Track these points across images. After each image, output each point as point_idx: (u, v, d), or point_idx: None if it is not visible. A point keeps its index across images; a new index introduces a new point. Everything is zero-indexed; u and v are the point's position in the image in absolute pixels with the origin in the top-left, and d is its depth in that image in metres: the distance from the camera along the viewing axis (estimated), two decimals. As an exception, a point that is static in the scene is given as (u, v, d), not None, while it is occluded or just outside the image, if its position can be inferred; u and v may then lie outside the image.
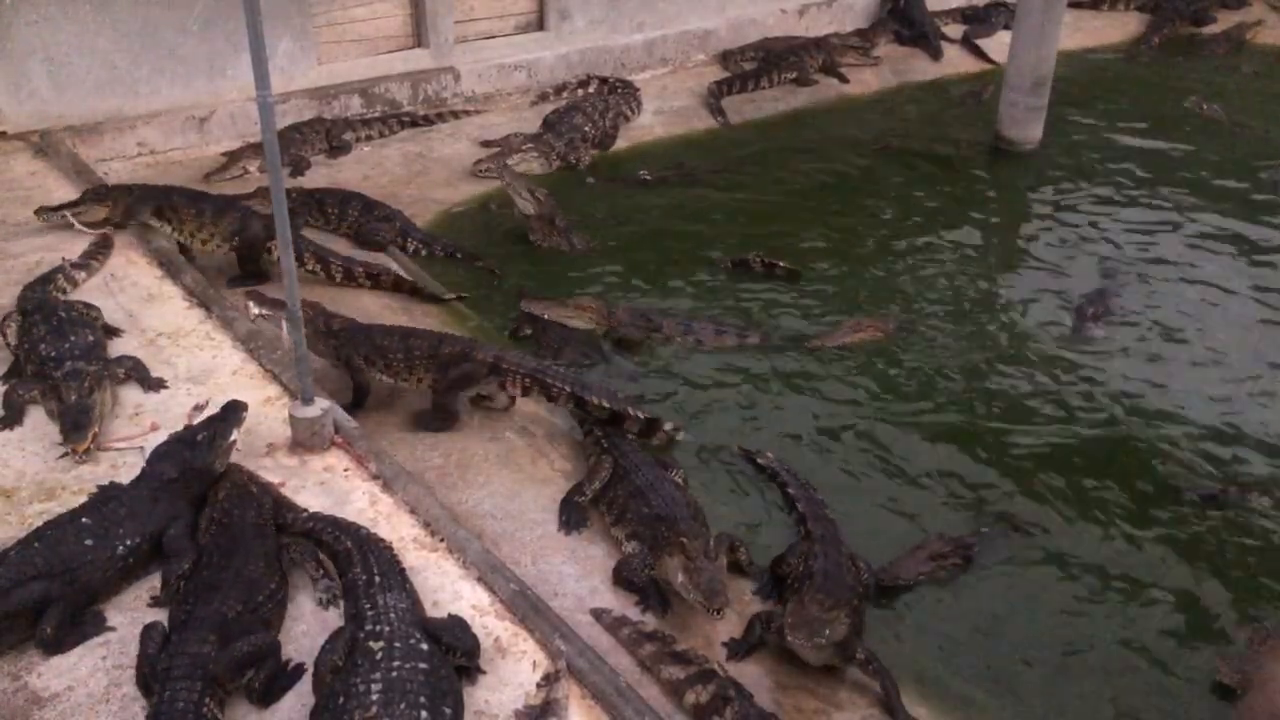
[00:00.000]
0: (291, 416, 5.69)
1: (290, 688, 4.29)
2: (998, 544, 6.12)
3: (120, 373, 6.13)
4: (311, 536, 4.96)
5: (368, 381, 6.55)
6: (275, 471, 5.51)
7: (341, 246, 8.69)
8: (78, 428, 5.49)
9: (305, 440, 5.69)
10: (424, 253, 8.91)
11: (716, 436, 6.97)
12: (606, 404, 6.30)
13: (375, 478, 5.55)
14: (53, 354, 5.99)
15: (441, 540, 5.14)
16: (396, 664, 4.03)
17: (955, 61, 14.31)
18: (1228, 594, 5.89)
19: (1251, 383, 7.74)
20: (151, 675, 4.13)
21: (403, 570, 4.75)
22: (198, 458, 5.17)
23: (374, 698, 3.87)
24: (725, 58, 13.29)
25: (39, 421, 5.81)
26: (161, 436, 5.50)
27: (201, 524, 5.03)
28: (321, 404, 5.73)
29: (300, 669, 4.36)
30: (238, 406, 5.52)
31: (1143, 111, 12.96)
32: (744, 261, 8.97)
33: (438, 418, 6.44)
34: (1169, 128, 12.44)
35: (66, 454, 5.51)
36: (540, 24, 12.28)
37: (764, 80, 12.83)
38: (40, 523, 4.82)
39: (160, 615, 4.52)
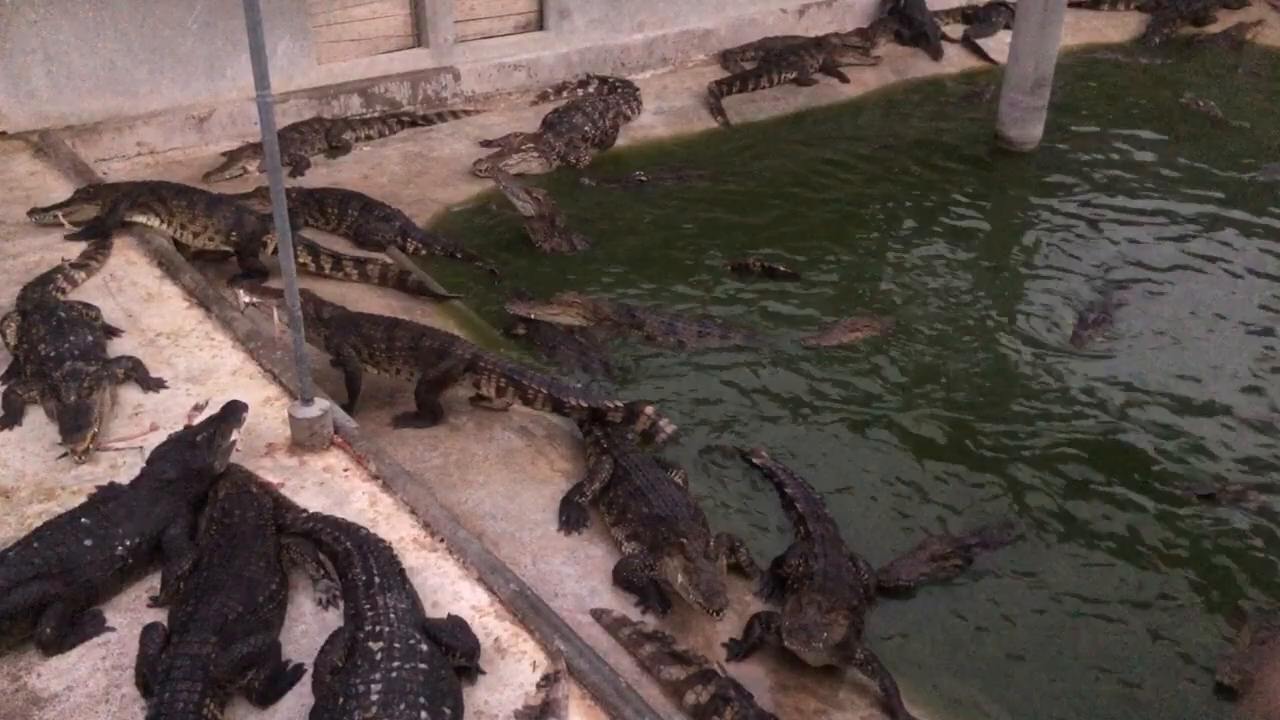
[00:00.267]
0: (291, 416, 5.69)
1: (290, 688, 4.29)
2: (998, 545, 6.11)
3: (120, 373, 6.12)
4: (311, 537, 4.95)
5: (357, 370, 6.56)
6: (275, 471, 5.51)
7: (341, 246, 8.69)
8: (77, 428, 5.49)
9: (305, 440, 5.69)
10: (424, 253, 8.91)
11: (716, 437, 6.96)
12: (584, 403, 6.30)
13: (375, 478, 5.54)
14: (52, 354, 5.98)
15: (441, 540, 5.14)
16: (396, 664, 4.03)
17: (955, 61, 14.31)
18: (1227, 593, 5.89)
19: (1250, 382, 7.74)
20: (152, 676, 4.13)
21: (402, 571, 4.75)
22: (198, 458, 5.16)
23: (374, 698, 3.87)
24: (725, 57, 13.29)
25: (38, 421, 5.81)
26: (161, 437, 5.50)
27: (202, 524, 5.03)
28: (321, 404, 5.73)
29: (300, 669, 4.35)
30: (238, 407, 5.51)
31: (1143, 111, 12.98)
32: (744, 265, 8.97)
33: (421, 415, 6.45)
34: (1169, 127, 12.45)
35: (66, 454, 5.51)
36: (540, 23, 12.28)
37: (764, 80, 12.82)
38: (40, 523, 4.83)
39: (160, 615, 4.52)
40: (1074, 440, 7.07)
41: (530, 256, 9.11)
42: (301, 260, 7.89)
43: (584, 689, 4.40)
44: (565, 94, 12.08)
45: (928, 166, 11.37)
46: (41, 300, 6.63)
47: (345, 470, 5.60)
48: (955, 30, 14.89)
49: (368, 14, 11.14)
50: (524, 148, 10.58)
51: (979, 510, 6.43)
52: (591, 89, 12.18)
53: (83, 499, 5.03)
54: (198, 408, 5.96)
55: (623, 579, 5.41)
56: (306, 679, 4.29)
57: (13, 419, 5.81)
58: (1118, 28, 15.73)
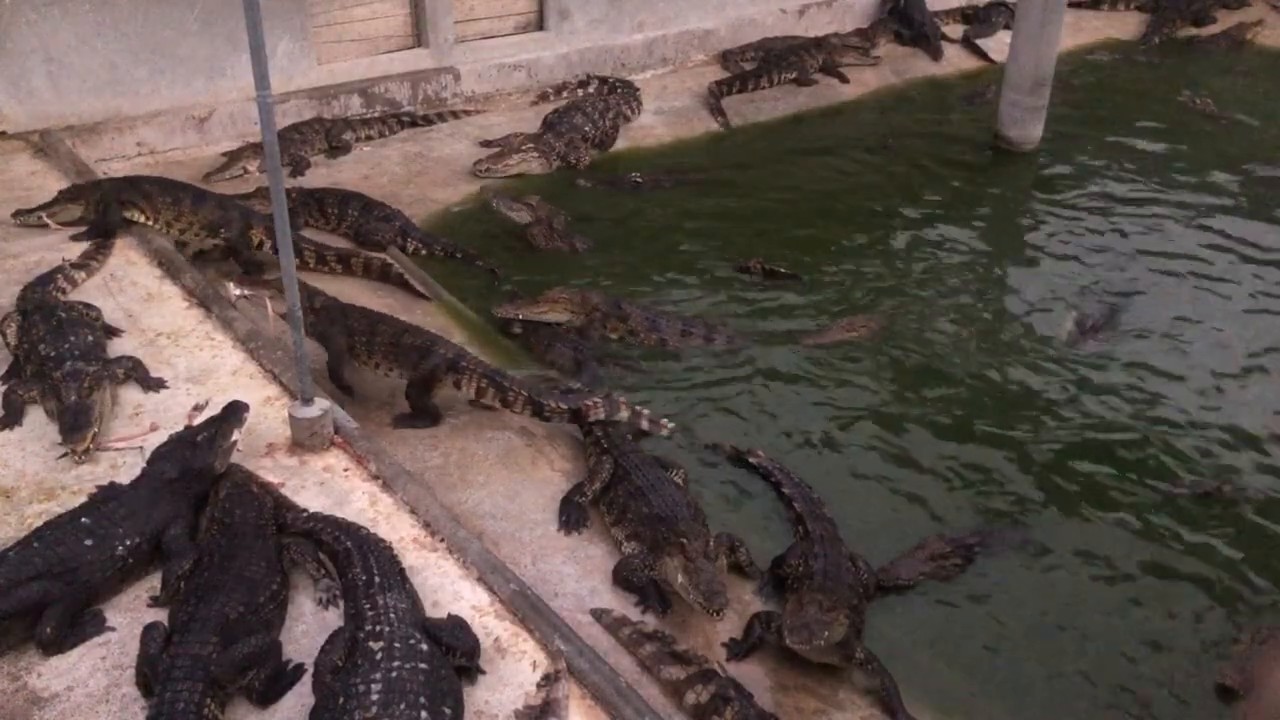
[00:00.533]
0: (291, 417, 5.69)
1: (290, 688, 4.29)
2: (998, 544, 6.11)
3: (120, 373, 6.12)
4: (311, 536, 4.95)
5: (338, 352, 6.58)
6: (275, 471, 5.51)
7: (341, 246, 8.69)
8: (77, 428, 5.49)
9: (305, 440, 5.69)
10: (424, 253, 8.91)
11: (715, 436, 6.96)
12: (564, 406, 6.31)
13: (375, 478, 5.54)
14: (52, 354, 5.98)
15: (441, 540, 5.14)
16: (396, 664, 4.02)
17: (955, 61, 14.31)
18: (1227, 592, 5.90)
19: (1248, 380, 7.74)
20: (152, 675, 4.13)
21: (402, 570, 4.75)
22: (198, 458, 5.17)
23: (374, 698, 3.87)
24: (725, 57, 13.29)
25: (38, 421, 5.81)
26: (161, 437, 5.50)
27: (202, 524, 5.03)
28: (321, 404, 5.73)
29: (300, 669, 4.35)
30: (239, 407, 5.51)
31: (1143, 111, 12.97)
32: (745, 266, 8.97)
33: (417, 416, 6.45)
34: (1168, 127, 12.46)
35: (66, 454, 5.51)
36: (540, 24, 12.28)
37: (764, 80, 12.83)
38: (40, 523, 4.83)
39: (160, 615, 4.52)
40: (1073, 440, 7.07)
41: (530, 257, 9.11)
42: None
43: (584, 689, 4.40)
44: (565, 94, 12.09)
45: (928, 167, 11.37)
46: (42, 300, 6.63)
47: (345, 470, 5.60)
48: (955, 30, 14.90)
49: (368, 14, 11.14)
50: (524, 148, 10.58)
51: (979, 510, 6.43)
52: (591, 89, 12.18)
53: (83, 499, 5.03)
54: (198, 408, 5.96)
55: (623, 579, 5.40)
56: (306, 679, 4.29)
57: (13, 419, 5.81)
58: (1118, 28, 15.74)
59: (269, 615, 4.48)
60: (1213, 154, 11.73)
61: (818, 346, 7.94)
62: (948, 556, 5.92)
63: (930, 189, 10.89)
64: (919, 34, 14.26)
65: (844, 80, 13.28)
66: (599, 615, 5.16)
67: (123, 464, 5.49)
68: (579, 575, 5.46)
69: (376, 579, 4.54)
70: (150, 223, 7.87)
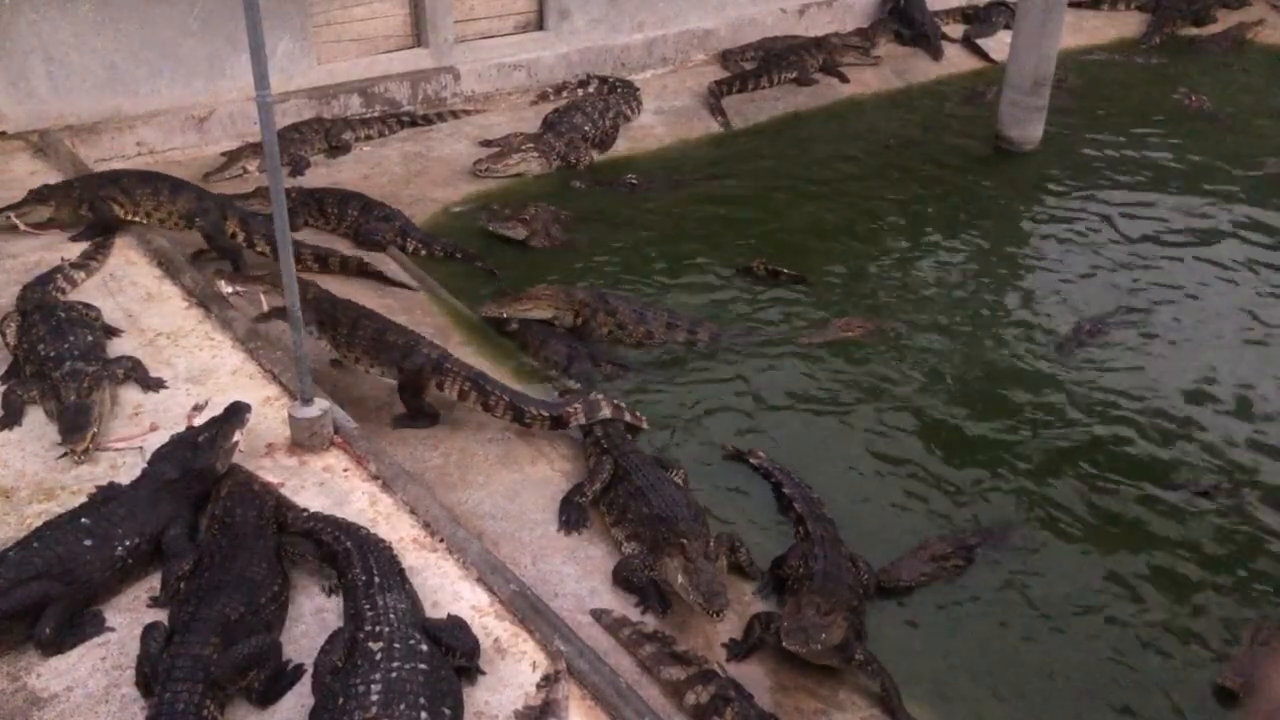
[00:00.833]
0: (291, 417, 5.69)
1: (290, 688, 4.28)
2: (998, 545, 6.11)
3: (119, 373, 6.12)
4: (311, 536, 4.95)
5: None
6: (274, 471, 5.50)
7: (341, 246, 8.69)
8: (76, 428, 5.49)
9: (305, 440, 5.69)
10: (423, 252, 8.91)
11: (715, 437, 6.96)
12: (545, 413, 6.33)
13: (375, 478, 5.54)
14: (52, 354, 5.98)
15: (441, 541, 5.14)
16: (396, 665, 4.02)
17: (956, 61, 14.31)
18: (1227, 593, 5.89)
19: (1247, 380, 7.74)
20: (153, 676, 4.12)
21: (402, 571, 4.75)
22: (199, 459, 5.17)
23: (374, 698, 3.87)
24: (725, 57, 13.29)
25: (38, 422, 5.80)
26: (161, 437, 5.50)
27: (204, 524, 5.02)
28: (321, 404, 5.73)
29: (300, 669, 4.35)
30: (240, 408, 5.51)
31: (1143, 111, 12.97)
32: (748, 268, 8.97)
33: (414, 417, 6.46)
34: (1169, 127, 12.45)
35: (66, 454, 5.50)
36: (540, 23, 12.28)
37: (764, 80, 12.82)
38: (39, 523, 4.82)
39: (160, 615, 4.51)
40: (1073, 441, 7.06)
41: (530, 257, 9.11)
42: (260, 250, 7.92)
43: (584, 689, 4.40)
44: (565, 94, 12.08)
45: (928, 167, 11.37)
46: (41, 300, 6.62)
47: (345, 470, 5.59)
48: (955, 30, 14.90)
49: (368, 14, 11.14)
50: (524, 148, 10.58)
51: (979, 510, 6.42)
52: (591, 89, 12.18)
53: (83, 499, 5.04)
54: (197, 408, 5.96)
55: (623, 579, 5.40)
56: (306, 679, 4.29)
57: (13, 419, 5.80)
58: (1118, 28, 15.74)
59: (269, 616, 4.48)
60: (1213, 154, 11.72)
61: (815, 345, 7.94)
62: (949, 557, 5.91)
63: (930, 189, 10.88)
64: (919, 34, 14.26)
65: (844, 80, 13.27)
66: (599, 616, 5.15)
67: (123, 464, 5.49)
68: (579, 575, 5.45)
69: (376, 579, 4.54)
70: (131, 216, 7.87)
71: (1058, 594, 5.85)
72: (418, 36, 11.49)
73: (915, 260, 9.49)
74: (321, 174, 10.05)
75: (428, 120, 11.24)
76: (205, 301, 7.02)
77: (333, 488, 5.47)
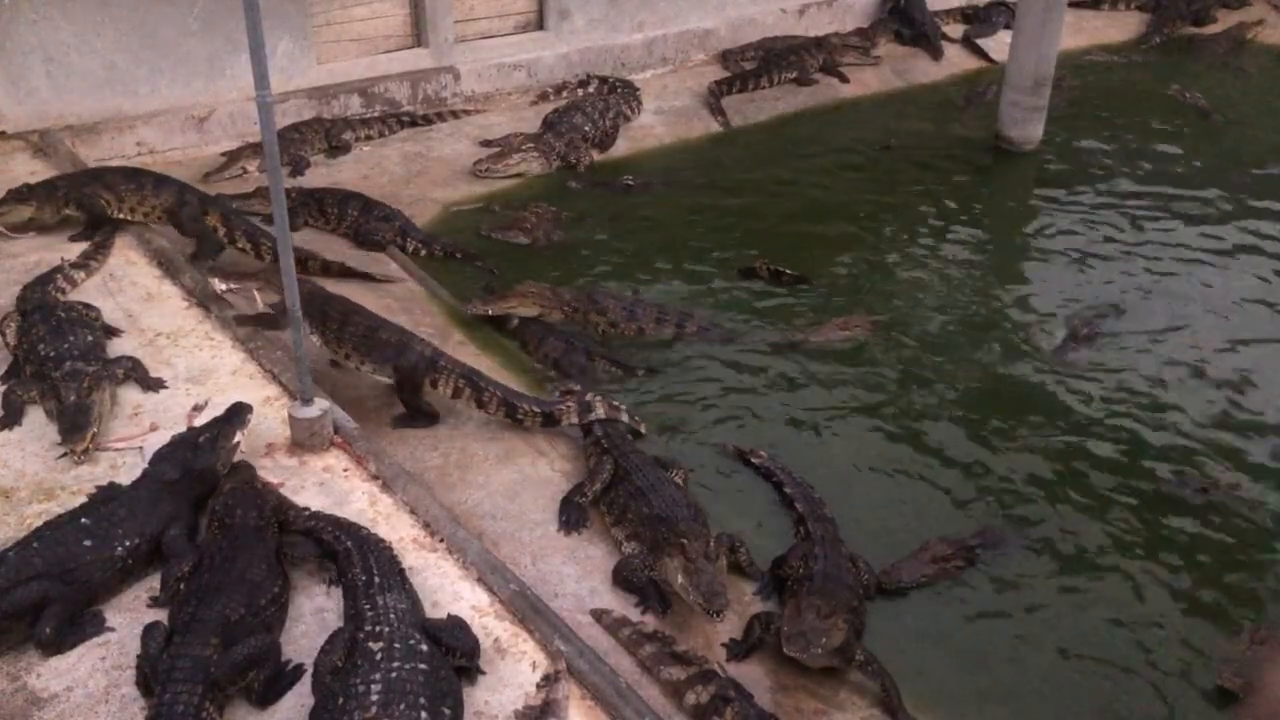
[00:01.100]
0: (291, 417, 5.69)
1: (290, 688, 4.29)
2: (999, 546, 6.11)
3: (119, 373, 6.12)
4: (311, 535, 4.95)
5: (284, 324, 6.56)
6: (274, 471, 5.50)
7: (342, 246, 8.69)
8: (76, 428, 5.49)
9: (305, 440, 5.69)
10: (423, 252, 8.91)
11: (716, 437, 6.96)
12: (537, 409, 6.38)
13: (375, 478, 5.54)
14: (52, 354, 5.98)
15: (441, 540, 5.14)
16: (396, 665, 4.02)
17: (956, 61, 14.30)
18: (1227, 593, 5.89)
19: (1245, 381, 7.74)
20: (152, 676, 4.12)
21: (402, 571, 4.75)
22: (200, 459, 5.17)
23: (374, 698, 3.87)
24: (725, 57, 13.28)
25: (38, 422, 5.80)
26: (161, 437, 5.50)
27: (204, 523, 5.02)
28: (321, 404, 5.73)
29: (300, 669, 4.35)
30: (242, 409, 5.52)
31: (1143, 111, 12.96)
32: (751, 269, 8.98)
33: (414, 417, 6.46)
34: (1168, 127, 12.44)
35: (66, 454, 5.50)
36: (540, 23, 12.27)
37: (764, 80, 12.81)
38: (39, 523, 4.83)
39: (160, 616, 4.51)
40: (1072, 441, 7.06)
41: (529, 256, 9.11)
42: (241, 246, 7.92)
43: (584, 689, 4.40)
44: (565, 94, 12.08)
45: (928, 167, 11.36)
46: (41, 300, 6.62)
47: (345, 470, 5.59)
48: (955, 30, 14.88)
49: (367, 14, 11.14)
50: (524, 148, 10.58)
51: (980, 511, 6.42)
52: (591, 89, 12.17)
53: (83, 499, 5.04)
54: (197, 408, 5.96)
55: (623, 579, 5.40)
56: (306, 679, 4.29)
57: (13, 419, 5.80)
58: (1118, 28, 15.72)
59: (269, 618, 4.48)
60: (1213, 154, 11.72)
61: (812, 344, 7.94)
62: (949, 558, 5.90)
63: (930, 189, 10.87)
64: (919, 34, 14.24)
65: (844, 80, 13.26)
66: (599, 616, 5.15)
67: (123, 464, 5.49)
68: (579, 575, 5.45)
69: (376, 579, 4.54)
70: (117, 213, 7.87)
71: (1058, 595, 5.85)
72: (418, 36, 11.48)
73: (915, 260, 9.49)
74: (321, 174, 10.04)
75: (428, 120, 11.23)
76: (205, 301, 7.02)
77: (333, 488, 5.47)
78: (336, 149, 10.47)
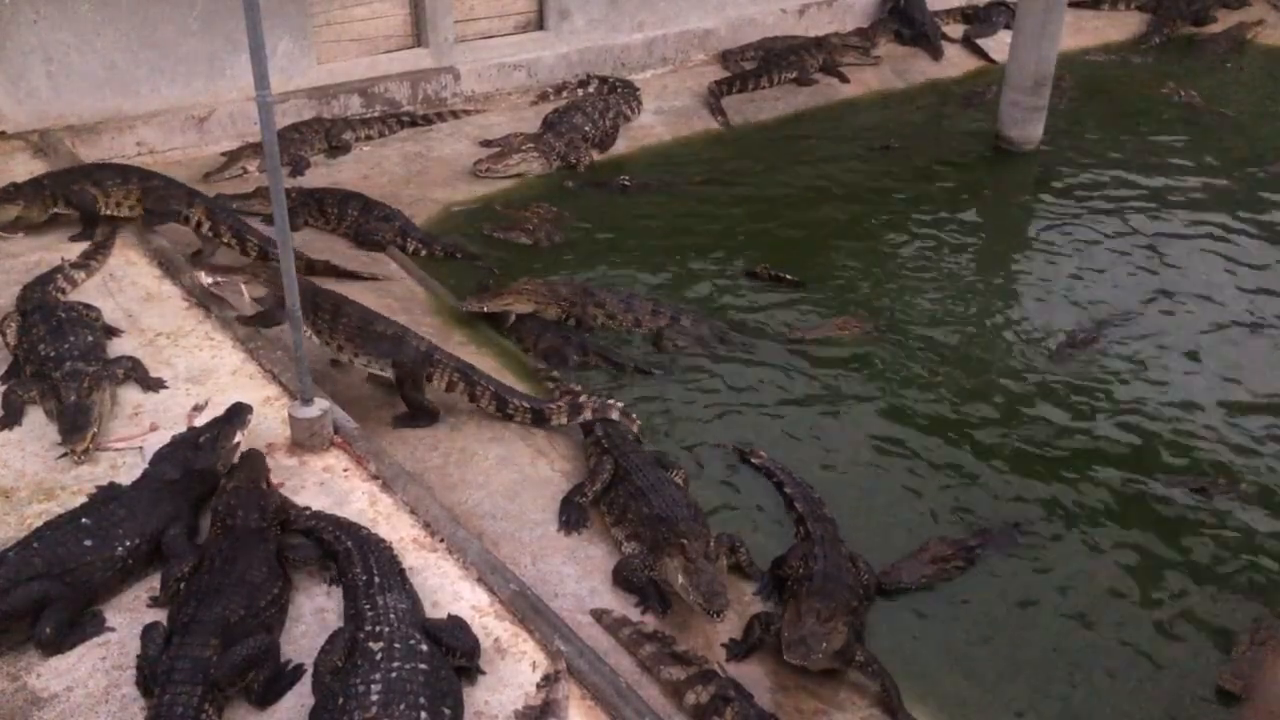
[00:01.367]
0: (291, 417, 5.69)
1: (290, 688, 4.28)
2: (999, 546, 6.10)
3: (120, 373, 6.12)
4: (312, 535, 4.95)
5: (280, 319, 6.58)
6: (275, 472, 5.49)
7: (341, 246, 8.69)
8: (76, 428, 5.49)
9: (305, 440, 5.69)
10: (423, 252, 8.91)
11: (716, 436, 6.96)
12: (528, 406, 6.43)
13: (375, 478, 5.54)
14: (52, 354, 5.98)
15: (441, 540, 5.14)
16: (396, 664, 4.02)
17: (956, 61, 14.30)
18: (1227, 593, 5.89)
19: (1245, 381, 7.74)
20: (152, 676, 4.13)
21: (402, 571, 4.75)
22: (200, 459, 5.17)
23: (374, 698, 3.87)
24: (725, 57, 13.28)
25: (38, 422, 5.80)
26: (161, 437, 5.50)
27: (206, 522, 5.02)
28: (321, 404, 5.73)
29: (300, 670, 4.35)
30: (242, 409, 5.52)
31: (1143, 111, 12.97)
32: (753, 272, 9.00)
33: (416, 415, 6.46)
34: (1169, 128, 12.44)
35: (66, 454, 5.50)
36: (540, 23, 12.28)
37: (764, 80, 12.82)
38: (39, 523, 4.83)
39: (160, 616, 4.51)
40: (1072, 442, 7.06)
41: (530, 257, 9.11)
42: (227, 242, 7.92)
43: (584, 689, 4.40)
44: (565, 94, 12.08)
45: (928, 167, 11.37)
46: (42, 300, 6.62)
47: (345, 470, 5.60)
48: (955, 30, 14.89)
49: (368, 14, 11.14)
50: (524, 148, 10.58)
51: (980, 512, 6.41)
52: (591, 89, 12.18)
53: (83, 499, 5.04)
54: (197, 408, 5.96)
55: (623, 579, 5.40)
56: (306, 679, 4.29)
57: (13, 419, 5.80)
58: (1118, 28, 15.73)
59: (269, 619, 4.47)
60: (1213, 154, 11.72)
61: (809, 341, 7.96)
62: (949, 559, 5.90)
63: (930, 189, 10.88)
64: (919, 34, 14.25)
65: (844, 80, 13.27)
66: (599, 616, 5.15)
67: (123, 464, 5.49)
68: (579, 575, 5.45)
69: (376, 579, 4.54)
70: (104, 209, 7.87)
71: (1057, 596, 5.85)
72: (418, 36, 11.48)
73: (914, 260, 9.49)
74: (321, 174, 10.04)
75: (428, 120, 11.24)
76: (205, 301, 7.02)
77: (333, 488, 5.47)
78: (336, 149, 10.47)
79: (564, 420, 6.49)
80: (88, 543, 4.63)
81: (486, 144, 10.82)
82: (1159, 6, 15.92)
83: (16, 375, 6.15)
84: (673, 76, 12.94)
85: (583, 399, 6.54)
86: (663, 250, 9.42)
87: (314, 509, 5.18)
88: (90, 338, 6.27)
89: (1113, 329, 8.38)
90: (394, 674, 3.98)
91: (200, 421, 5.71)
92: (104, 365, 6.06)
